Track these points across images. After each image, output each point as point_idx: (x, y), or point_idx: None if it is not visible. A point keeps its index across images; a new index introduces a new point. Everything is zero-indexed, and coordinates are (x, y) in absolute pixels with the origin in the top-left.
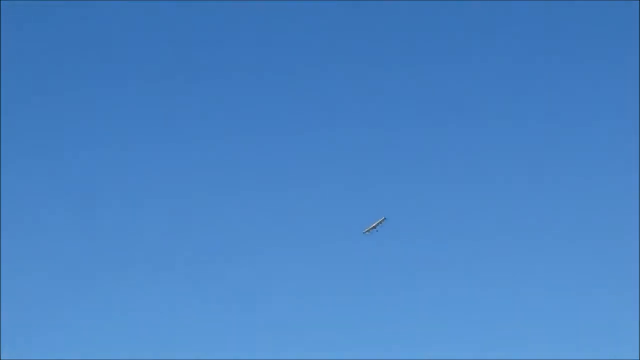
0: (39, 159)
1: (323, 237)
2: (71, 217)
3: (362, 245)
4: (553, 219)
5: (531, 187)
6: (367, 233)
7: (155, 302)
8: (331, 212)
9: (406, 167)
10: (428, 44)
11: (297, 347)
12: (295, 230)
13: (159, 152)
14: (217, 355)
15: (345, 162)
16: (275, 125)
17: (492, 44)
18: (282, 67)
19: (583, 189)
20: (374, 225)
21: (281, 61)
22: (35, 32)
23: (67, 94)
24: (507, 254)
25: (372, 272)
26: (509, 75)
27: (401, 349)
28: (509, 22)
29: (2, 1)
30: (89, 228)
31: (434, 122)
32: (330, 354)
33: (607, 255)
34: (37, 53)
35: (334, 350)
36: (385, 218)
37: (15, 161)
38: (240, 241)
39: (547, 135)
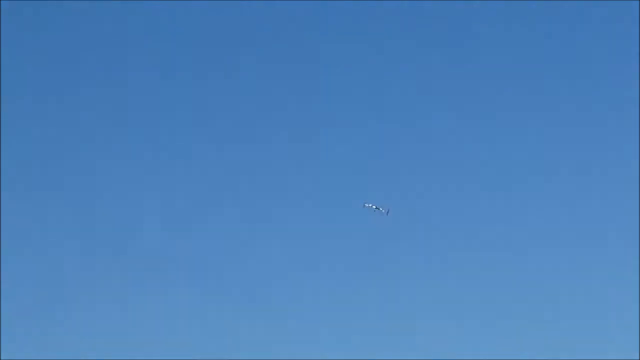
0: (39, 158)
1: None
2: (71, 217)
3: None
4: (552, 219)
5: (530, 187)
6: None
7: (155, 302)
8: (330, 213)
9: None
10: (427, 44)
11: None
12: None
13: (159, 152)
14: (217, 355)
15: (346, 165)
16: (274, 125)
17: (492, 44)
18: (282, 66)
19: (583, 189)
20: (376, 207)
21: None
22: (35, 32)
23: (67, 93)
24: (507, 254)
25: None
26: (508, 76)
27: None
28: (508, 22)
29: (2, 1)
30: (90, 228)
31: (433, 121)
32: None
33: (607, 255)
34: (37, 53)
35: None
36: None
37: (15, 161)
38: (239, 240)
39: (546, 135)
